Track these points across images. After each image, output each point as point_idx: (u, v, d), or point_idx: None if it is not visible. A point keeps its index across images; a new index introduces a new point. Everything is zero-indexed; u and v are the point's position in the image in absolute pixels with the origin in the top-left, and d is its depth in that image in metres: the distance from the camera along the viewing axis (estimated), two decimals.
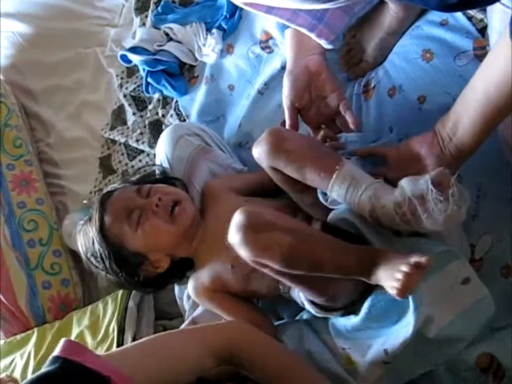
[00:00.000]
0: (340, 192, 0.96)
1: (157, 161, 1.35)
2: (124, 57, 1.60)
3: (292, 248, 0.89)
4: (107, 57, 1.72)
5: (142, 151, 1.57)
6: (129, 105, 1.62)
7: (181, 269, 1.21)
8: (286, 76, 1.16)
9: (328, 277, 0.92)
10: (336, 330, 1.02)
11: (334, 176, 0.96)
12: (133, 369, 0.85)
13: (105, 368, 0.82)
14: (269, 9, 0.91)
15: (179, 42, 1.55)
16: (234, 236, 0.90)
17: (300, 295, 1.04)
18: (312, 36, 1.04)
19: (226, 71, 1.48)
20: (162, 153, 1.32)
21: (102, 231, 1.15)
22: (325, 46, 1.09)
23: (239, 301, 1.14)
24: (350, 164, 0.99)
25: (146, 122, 1.57)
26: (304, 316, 1.13)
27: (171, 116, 1.53)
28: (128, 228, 1.14)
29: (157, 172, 1.29)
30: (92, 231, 1.17)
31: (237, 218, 0.90)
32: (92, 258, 1.18)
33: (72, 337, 1.38)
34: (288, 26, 1.09)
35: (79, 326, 1.41)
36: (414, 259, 0.85)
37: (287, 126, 1.15)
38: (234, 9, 1.49)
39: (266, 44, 1.42)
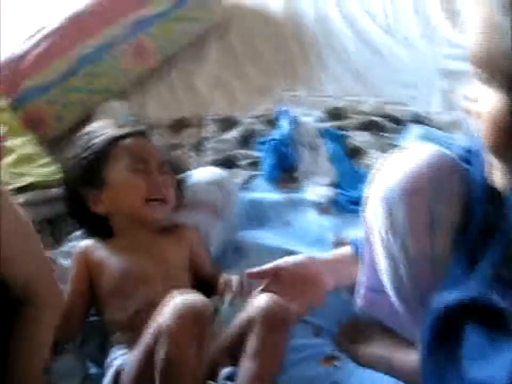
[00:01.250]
0: None
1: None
2: None
3: None
4: None
5: None
6: None
7: (100, 226, 1.22)
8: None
9: None
10: None
11: None
12: None
13: None
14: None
15: None
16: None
17: None
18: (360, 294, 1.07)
19: None
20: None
21: (109, 144, 1.19)
22: (357, 303, 1.10)
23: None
24: None
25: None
26: None
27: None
28: (123, 166, 1.18)
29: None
30: (105, 132, 1.21)
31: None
32: (80, 142, 1.23)
33: None
34: None
35: None
36: None
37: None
38: None
39: None
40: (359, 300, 1.07)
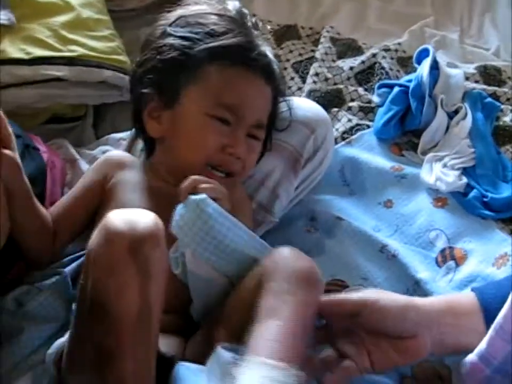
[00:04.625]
0: None
1: None
2: None
3: None
4: None
5: None
6: None
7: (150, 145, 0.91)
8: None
9: None
10: None
11: None
12: None
13: None
14: None
15: None
16: None
17: None
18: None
19: None
20: None
21: (206, 60, 0.83)
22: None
23: None
24: None
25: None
26: None
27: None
28: (205, 104, 0.83)
29: None
30: (214, 32, 0.84)
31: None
32: (172, 29, 0.85)
33: None
34: None
35: None
36: None
37: None
38: None
39: None
40: (467, 369, 0.70)
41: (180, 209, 0.72)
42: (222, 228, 0.73)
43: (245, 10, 0.90)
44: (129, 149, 1.01)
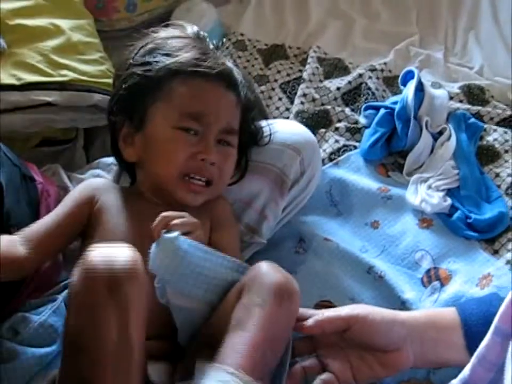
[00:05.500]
0: None
1: None
2: None
3: None
4: None
5: None
6: None
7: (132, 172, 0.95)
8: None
9: None
10: None
11: None
12: None
13: None
14: None
15: None
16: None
17: None
18: None
19: None
20: None
21: (166, 77, 0.87)
22: None
23: None
24: None
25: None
26: None
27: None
28: (171, 118, 0.86)
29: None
30: (173, 52, 0.88)
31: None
32: (140, 51, 0.90)
33: None
34: None
35: None
36: None
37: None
38: None
39: None
40: None
41: (154, 248, 0.74)
42: (199, 260, 0.75)
43: (203, 33, 0.95)
44: (119, 175, 1.02)
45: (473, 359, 0.71)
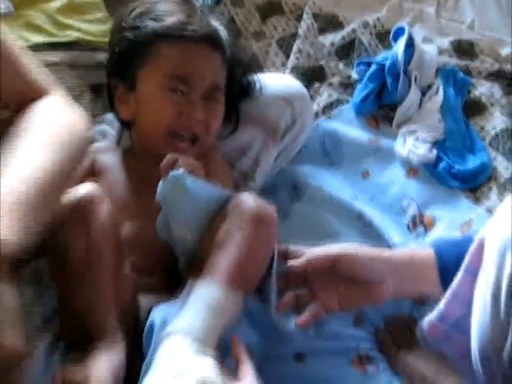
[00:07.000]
0: None
1: None
2: None
3: None
4: None
5: None
6: None
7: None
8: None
9: None
10: None
11: None
12: None
13: None
14: None
15: None
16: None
17: None
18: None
19: None
20: None
21: (152, 41, 0.94)
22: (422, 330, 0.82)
23: None
24: None
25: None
26: None
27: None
28: (157, 79, 0.93)
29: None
30: (161, 16, 0.95)
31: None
32: (133, 14, 0.97)
33: None
34: None
35: None
36: None
37: None
38: None
39: None
40: (426, 327, 0.81)
41: (161, 185, 0.82)
42: (200, 194, 0.84)
43: None
44: (121, 134, 1.09)
45: (447, 294, 0.79)
